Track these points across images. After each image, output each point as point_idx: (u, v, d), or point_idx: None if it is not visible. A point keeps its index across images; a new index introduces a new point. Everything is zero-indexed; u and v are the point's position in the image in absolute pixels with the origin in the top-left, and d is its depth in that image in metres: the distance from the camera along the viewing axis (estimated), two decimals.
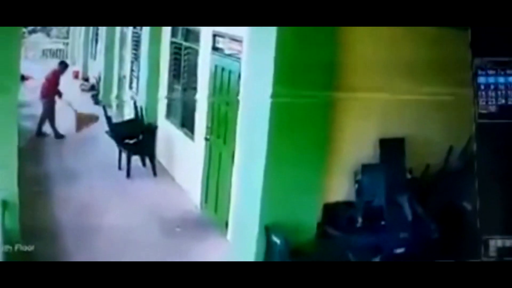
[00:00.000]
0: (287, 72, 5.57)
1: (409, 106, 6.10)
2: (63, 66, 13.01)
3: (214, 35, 7.94)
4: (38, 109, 13.88)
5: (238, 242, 6.25)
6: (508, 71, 5.04)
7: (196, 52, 8.74)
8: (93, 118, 10.89)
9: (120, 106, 13.56)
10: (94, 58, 18.07)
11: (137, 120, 10.22)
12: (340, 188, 6.02)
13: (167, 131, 9.91)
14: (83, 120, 10.87)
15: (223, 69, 7.59)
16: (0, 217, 5.30)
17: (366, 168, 5.98)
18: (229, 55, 7.52)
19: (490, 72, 5.11)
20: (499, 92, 5.12)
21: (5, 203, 5.46)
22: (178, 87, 9.70)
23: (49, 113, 11.78)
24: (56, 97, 11.98)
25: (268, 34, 5.48)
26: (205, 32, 8.23)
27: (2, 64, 5.38)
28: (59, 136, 11.54)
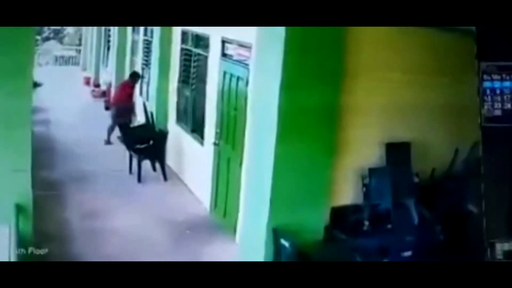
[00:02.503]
0: (294, 78, 5.60)
1: (415, 110, 6.13)
2: (135, 76, 12.38)
3: (223, 42, 8.01)
4: (51, 114, 14.04)
5: (247, 245, 6.27)
6: None
7: (205, 58, 8.81)
8: None
9: None
10: (106, 65, 18.17)
11: (148, 125, 10.30)
12: (347, 192, 6.03)
13: (177, 136, 9.98)
14: None
15: (231, 75, 7.66)
16: (14, 220, 5.34)
17: (373, 172, 6.00)
18: (238, 61, 7.58)
19: (496, 76, 5.15)
20: (504, 97, 5.15)
21: (19, 207, 5.50)
22: (188, 92, 9.78)
23: (113, 122, 11.72)
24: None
25: (276, 40, 5.52)
26: (215, 39, 8.30)
27: (15, 70, 5.43)
28: (108, 142, 11.61)
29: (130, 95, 12.01)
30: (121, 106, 11.79)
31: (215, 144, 8.05)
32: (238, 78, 7.42)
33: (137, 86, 12.84)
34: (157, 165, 9.79)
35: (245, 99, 7.08)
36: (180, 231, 7.42)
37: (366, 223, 5.88)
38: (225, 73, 7.86)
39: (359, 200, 6.03)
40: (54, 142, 11.58)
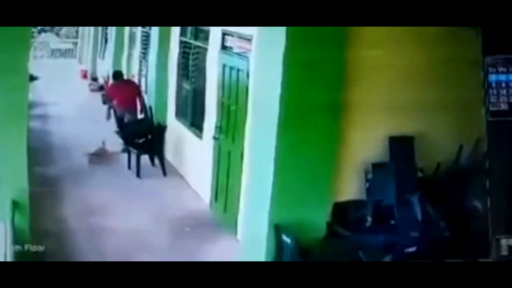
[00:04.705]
0: (296, 71, 5.53)
1: (419, 104, 6.05)
2: (116, 74, 11.69)
3: (223, 34, 7.92)
4: (48, 109, 13.97)
5: (248, 241, 6.23)
6: None
7: (205, 51, 8.72)
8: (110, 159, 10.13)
9: None
10: (103, 57, 18.09)
11: (147, 119, 10.21)
12: (350, 187, 5.96)
13: (177, 130, 9.90)
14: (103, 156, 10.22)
15: (231, 68, 7.57)
16: (10, 217, 5.28)
17: (376, 167, 5.93)
18: (238, 53, 7.50)
19: (501, 69, 5.10)
20: (510, 90, 5.10)
21: (15, 203, 5.45)
22: (187, 86, 9.70)
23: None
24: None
25: (278, 33, 5.45)
26: (214, 31, 8.21)
27: (10, 64, 5.37)
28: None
29: (140, 94, 11.32)
30: (128, 107, 11.04)
31: (215, 138, 7.97)
32: (238, 71, 7.34)
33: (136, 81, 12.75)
34: (156, 160, 9.72)
35: (246, 92, 7.00)
36: (180, 227, 7.35)
37: (369, 219, 5.82)
38: (224, 65, 7.78)
39: (362, 195, 5.97)
40: (52, 137, 11.51)
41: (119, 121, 10.51)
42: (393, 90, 5.98)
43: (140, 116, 10.90)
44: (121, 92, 11.03)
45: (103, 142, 10.20)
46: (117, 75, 11.66)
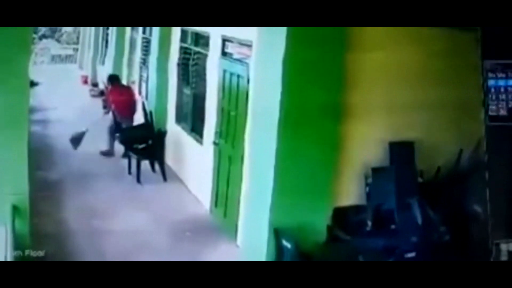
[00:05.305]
0: (296, 76, 5.54)
1: (419, 109, 6.06)
2: (112, 78, 11.68)
3: (224, 40, 7.93)
4: (49, 114, 13.96)
5: (248, 246, 6.22)
6: None
7: (205, 57, 8.73)
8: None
9: None
10: (103, 63, 18.09)
11: (147, 125, 10.20)
12: (350, 192, 5.97)
13: (177, 135, 9.90)
14: None
15: (231, 74, 7.57)
16: (10, 222, 5.27)
17: (376, 171, 5.93)
18: (238, 59, 7.50)
19: (500, 75, 5.10)
20: (509, 95, 5.11)
21: (15, 208, 5.43)
22: (188, 91, 9.70)
23: (110, 128, 10.91)
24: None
25: (277, 36, 5.46)
26: (214, 37, 8.22)
27: (11, 68, 5.37)
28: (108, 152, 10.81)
29: (135, 103, 11.34)
30: (125, 115, 10.95)
31: (215, 143, 7.96)
32: (238, 77, 7.34)
33: (136, 86, 12.75)
34: (157, 165, 9.71)
35: (246, 97, 7.00)
36: (180, 232, 7.33)
37: (370, 223, 5.81)
38: (225, 71, 7.78)
39: (362, 200, 5.96)
40: (53, 142, 11.48)
41: (118, 125, 10.51)
42: (393, 92, 5.99)
43: (138, 122, 10.90)
44: (119, 98, 11.01)
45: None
46: (113, 78, 11.64)
